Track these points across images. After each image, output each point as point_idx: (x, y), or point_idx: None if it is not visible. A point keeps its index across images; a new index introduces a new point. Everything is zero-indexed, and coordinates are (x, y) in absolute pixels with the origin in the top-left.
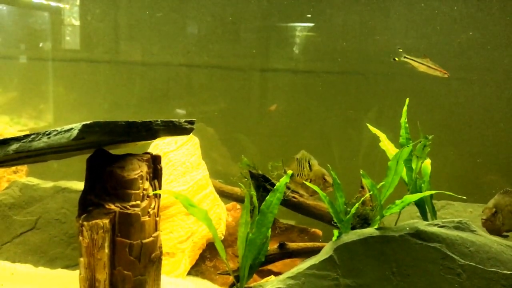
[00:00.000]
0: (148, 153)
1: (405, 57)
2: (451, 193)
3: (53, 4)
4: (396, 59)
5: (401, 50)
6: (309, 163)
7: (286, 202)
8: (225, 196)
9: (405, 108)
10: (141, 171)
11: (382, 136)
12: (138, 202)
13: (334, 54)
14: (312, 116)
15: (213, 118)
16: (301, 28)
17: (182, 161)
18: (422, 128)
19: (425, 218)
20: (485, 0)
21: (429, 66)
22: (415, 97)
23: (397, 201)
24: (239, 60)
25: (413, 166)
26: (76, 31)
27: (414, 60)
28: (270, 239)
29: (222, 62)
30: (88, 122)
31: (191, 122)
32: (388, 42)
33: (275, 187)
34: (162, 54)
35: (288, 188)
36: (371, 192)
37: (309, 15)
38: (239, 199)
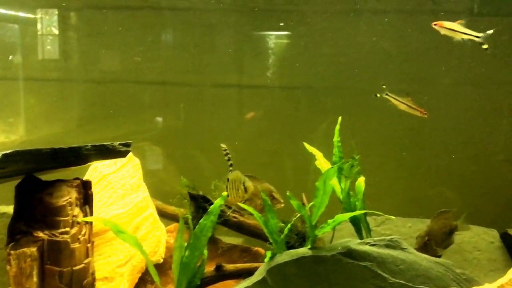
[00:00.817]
0: (78, 178)
1: (387, 94)
2: (380, 213)
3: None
4: (378, 95)
5: (384, 86)
6: (244, 185)
7: (227, 222)
8: (167, 217)
9: (337, 127)
10: (70, 198)
11: (318, 154)
12: (68, 229)
13: (289, 69)
14: (266, 131)
15: (162, 136)
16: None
17: (122, 183)
18: (378, 141)
19: (360, 235)
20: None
21: (409, 106)
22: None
23: (329, 221)
24: (191, 76)
25: (342, 185)
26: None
27: (395, 99)
28: (212, 259)
29: (172, 78)
30: (8, 151)
31: (127, 145)
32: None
33: (209, 210)
34: (115, 70)
35: (229, 207)
36: (298, 215)
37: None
38: (186, 220)
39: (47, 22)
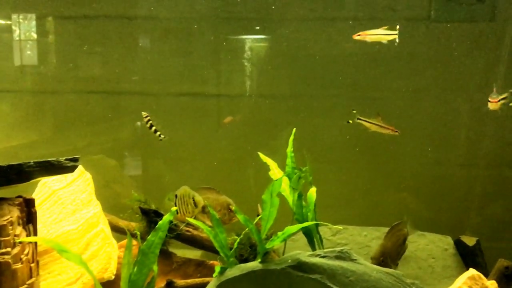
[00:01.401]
0: (20, 196)
1: (358, 119)
2: (326, 223)
3: None
4: (350, 121)
5: (355, 111)
6: (193, 199)
7: (180, 236)
8: (121, 231)
9: (291, 137)
10: (11, 217)
11: (272, 165)
12: (9, 249)
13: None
14: (228, 140)
15: (119, 148)
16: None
17: (72, 198)
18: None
19: (312, 247)
20: None
21: (380, 126)
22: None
23: (279, 233)
24: (148, 85)
25: (290, 199)
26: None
27: (366, 121)
28: (166, 274)
29: (131, 87)
30: None
31: (74, 160)
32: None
33: (157, 226)
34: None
35: (182, 222)
36: (247, 229)
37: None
38: (135, 235)
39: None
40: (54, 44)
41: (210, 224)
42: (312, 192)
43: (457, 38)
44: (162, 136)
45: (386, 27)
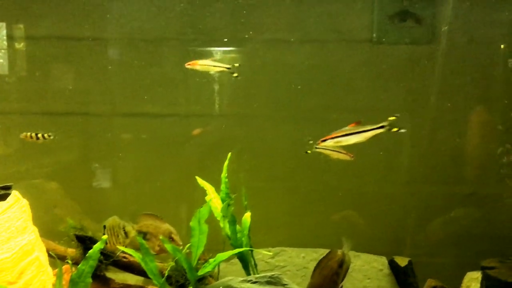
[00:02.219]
0: None
1: (316, 148)
2: (242, 249)
3: None
4: (309, 151)
5: (311, 141)
6: (124, 230)
7: (117, 263)
8: (60, 257)
9: (226, 162)
10: None
11: (210, 189)
12: None
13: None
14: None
15: (61, 171)
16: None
17: (7, 226)
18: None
19: (247, 271)
20: None
21: (338, 152)
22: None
23: (211, 260)
24: (96, 105)
25: (221, 225)
26: None
27: (325, 149)
28: None
29: (78, 108)
30: None
31: (6, 187)
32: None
33: (87, 255)
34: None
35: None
36: (176, 258)
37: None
38: (73, 261)
39: None
40: None
41: (151, 251)
42: (247, 217)
43: (399, 59)
44: (49, 135)
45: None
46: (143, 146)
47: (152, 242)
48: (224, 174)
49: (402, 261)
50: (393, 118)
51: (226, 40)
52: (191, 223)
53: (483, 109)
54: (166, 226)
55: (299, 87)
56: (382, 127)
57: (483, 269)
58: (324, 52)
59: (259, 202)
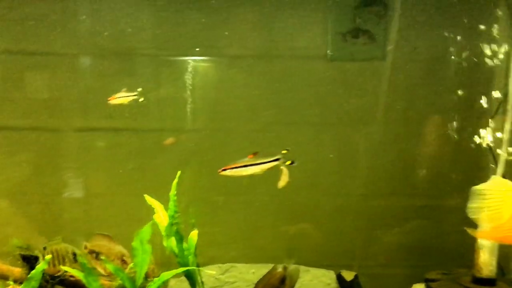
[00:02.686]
0: None
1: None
2: (185, 268)
3: None
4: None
5: (285, 151)
6: (74, 254)
7: (64, 282)
8: (4, 278)
9: (175, 181)
10: None
11: (158, 207)
12: None
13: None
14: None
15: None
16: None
17: None
18: None
19: None
20: None
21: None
22: None
23: (155, 279)
24: (47, 120)
25: (164, 244)
26: None
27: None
28: None
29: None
30: None
31: None
32: None
33: (29, 275)
34: None
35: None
36: (119, 278)
37: None
38: (17, 280)
39: None
40: None
41: (103, 272)
42: (193, 235)
43: (353, 75)
44: None
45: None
46: (101, 162)
47: (103, 262)
48: (172, 192)
49: (349, 275)
50: (285, 151)
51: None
52: (133, 244)
53: (433, 122)
54: (119, 248)
55: (255, 102)
56: (277, 159)
57: (426, 281)
58: (280, 68)
59: (214, 217)
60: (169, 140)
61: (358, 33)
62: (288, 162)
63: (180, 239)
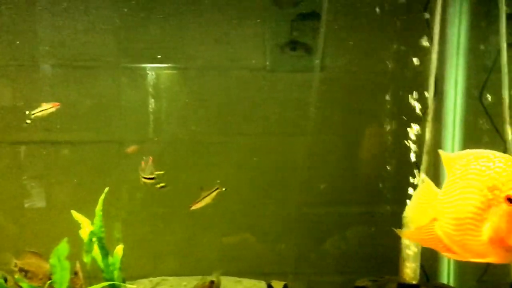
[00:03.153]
0: None
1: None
2: (108, 283)
3: None
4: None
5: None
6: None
7: None
8: None
9: (102, 196)
10: None
11: (85, 222)
12: None
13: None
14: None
15: None
16: None
17: None
18: None
19: None
20: None
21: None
22: None
23: None
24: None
25: (85, 259)
26: None
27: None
28: None
29: None
30: None
31: None
32: None
33: None
34: None
35: None
36: None
37: None
38: None
39: None
40: None
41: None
42: (118, 250)
43: (292, 87)
44: None
45: None
46: (52, 175)
47: (34, 281)
48: (99, 207)
49: (278, 285)
50: (162, 172)
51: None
52: (50, 261)
53: (369, 131)
54: (48, 266)
55: (195, 113)
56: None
57: None
58: (220, 79)
59: (154, 230)
60: (132, 148)
61: (295, 46)
62: (161, 184)
63: (106, 254)
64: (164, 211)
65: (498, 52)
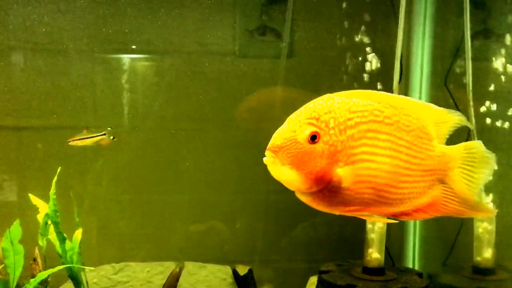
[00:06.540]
0: None
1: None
2: (63, 266)
3: None
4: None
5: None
6: None
7: None
8: None
9: (54, 178)
10: None
11: (42, 206)
12: None
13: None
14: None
15: None
16: None
17: None
18: None
19: None
20: None
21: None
22: None
23: (31, 280)
24: None
25: (40, 243)
26: None
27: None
28: None
29: None
30: None
31: None
32: None
33: None
34: None
35: None
36: None
37: None
38: None
39: None
40: None
41: None
42: (77, 234)
43: (261, 72)
44: None
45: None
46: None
47: None
48: (52, 190)
49: (243, 270)
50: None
51: None
52: (2, 245)
53: None
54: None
55: (165, 99)
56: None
57: (320, 273)
58: (190, 64)
59: (121, 217)
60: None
61: (265, 31)
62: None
63: (63, 238)
64: (131, 198)
65: (462, 38)
